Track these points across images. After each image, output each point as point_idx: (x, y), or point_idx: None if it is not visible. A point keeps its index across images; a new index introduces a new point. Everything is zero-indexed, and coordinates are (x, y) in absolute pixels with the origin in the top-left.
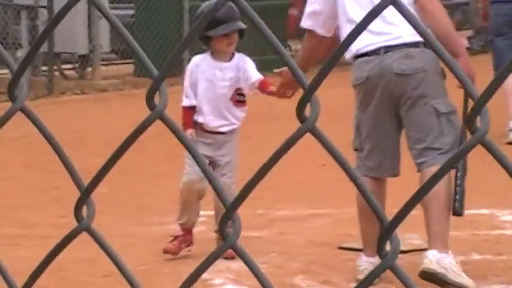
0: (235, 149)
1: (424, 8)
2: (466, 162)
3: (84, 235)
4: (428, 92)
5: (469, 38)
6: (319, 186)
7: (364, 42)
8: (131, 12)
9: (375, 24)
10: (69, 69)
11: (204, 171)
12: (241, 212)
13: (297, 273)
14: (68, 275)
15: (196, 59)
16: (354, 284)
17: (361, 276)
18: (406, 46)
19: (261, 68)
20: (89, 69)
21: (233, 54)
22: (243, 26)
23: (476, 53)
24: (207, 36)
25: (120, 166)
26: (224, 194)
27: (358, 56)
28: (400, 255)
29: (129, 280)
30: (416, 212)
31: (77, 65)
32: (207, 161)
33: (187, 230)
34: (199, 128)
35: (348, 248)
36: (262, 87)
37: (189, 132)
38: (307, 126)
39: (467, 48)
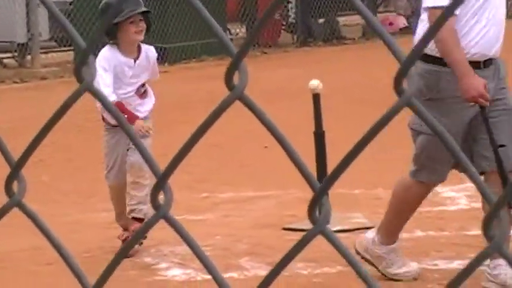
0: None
1: None
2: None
3: (27, 224)
4: None
5: (407, 18)
6: (263, 168)
7: None
8: None
9: None
10: (8, 57)
11: (135, 143)
12: (186, 195)
13: (243, 255)
14: (11, 265)
15: (106, 52)
16: (300, 264)
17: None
18: None
19: (202, 52)
20: (29, 57)
21: (139, 48)
22: (145, 9)
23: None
24: (113, 25)
25: (62, 155)
26: (156, 164)
27: None
28: (345, 234)
29: (71, 266)
30: (359, 191)
31: (16, 54)
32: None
33: (128, 229)
34: (107, 122)
35: (292, 229)
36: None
37: (141, 124)
38: (235, 94)
39: (406, 28)
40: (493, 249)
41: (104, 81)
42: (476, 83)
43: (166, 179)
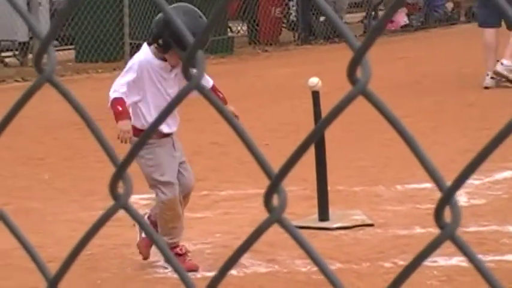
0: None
1: None
2: None
3: (27, 222)
4: None
5: (408, 15)
6: None
7: None
8: None
9: None
10: (9, 56)
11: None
12: None
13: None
14: (13, 262)
15: (141, 56)
16: (299, 261)
17: None
18: None
19: (204, 50)
20: (30, 56)
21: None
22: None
23: (417, 29)
24: (170, 40)
25: (63, 153)
26: (115, 153)
27: None
28: (344, 231)
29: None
30: (359, 188)
31: (17, 52)
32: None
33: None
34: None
35: None
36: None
37: (125, 128)
38: (192, 84)
39: (407, 25)
40: (445, 237)
41: (119, 79)
42: None
43: (125, 167)
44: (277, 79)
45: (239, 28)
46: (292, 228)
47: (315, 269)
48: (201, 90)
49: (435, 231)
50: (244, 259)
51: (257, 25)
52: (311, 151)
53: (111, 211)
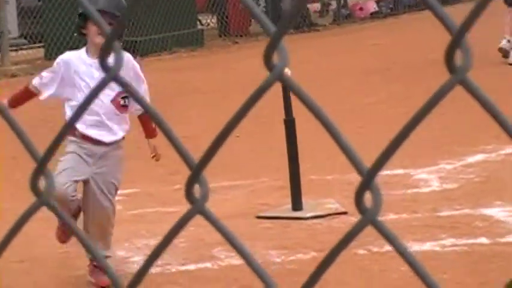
0: (118, 167)
1: None
2: None
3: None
4: None
5: (378, 2)
6: (234, 158)
7: None
8: None
9: None
10: None
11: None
12: (159, 188)
13: (216, 245)
14: None
15: (69, 54)
16: (273, 252)
17: None
18: None
19: (173, 44)
20: None
21: None
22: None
23: (386, 16)
24: (83, 20)
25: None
26: (35, 149)
27: None
28: (317, 220)
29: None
30: (331, 177)
31: None
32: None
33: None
34: (78, 133)
35: (266, 217)
36: (143, 123)
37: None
38: (110, 75)
39: (376, 12)
40: (366, 222)
41: (40, 76)
42: None
43: (45, 163)
44: (248, 71)
45: (209, 21)
46: (214, 220)
47: (289, 258)
48: (119, 81)
49: (408, 216)
50: (218, 251)
51: (227, 17)
52: (282, 141)
53: (33, 209)
